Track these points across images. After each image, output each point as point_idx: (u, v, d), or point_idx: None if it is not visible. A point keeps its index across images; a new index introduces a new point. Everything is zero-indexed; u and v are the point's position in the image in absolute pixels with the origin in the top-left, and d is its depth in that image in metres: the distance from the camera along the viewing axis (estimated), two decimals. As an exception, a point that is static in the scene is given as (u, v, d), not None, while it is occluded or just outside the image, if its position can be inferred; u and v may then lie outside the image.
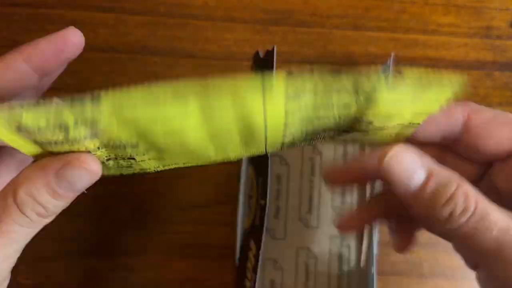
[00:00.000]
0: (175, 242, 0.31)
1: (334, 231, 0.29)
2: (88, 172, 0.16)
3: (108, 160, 0.18)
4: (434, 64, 0.33)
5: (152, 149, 0.18)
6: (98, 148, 0.17)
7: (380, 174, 0.16)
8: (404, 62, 0.33)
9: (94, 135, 0.16)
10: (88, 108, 0.16)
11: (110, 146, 0.17)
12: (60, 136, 0.16)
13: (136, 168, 0.20)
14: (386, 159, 0.16)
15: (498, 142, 0.18)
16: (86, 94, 0.16)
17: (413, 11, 0.34)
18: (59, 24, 0.31)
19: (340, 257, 0.30)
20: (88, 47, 0.32)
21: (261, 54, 0.25)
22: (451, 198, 0.15)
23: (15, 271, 0.31)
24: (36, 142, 0.16)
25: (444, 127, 0.19)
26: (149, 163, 0.19)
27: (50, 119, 0.16)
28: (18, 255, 0.17)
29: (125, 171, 0.20)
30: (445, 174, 0.16)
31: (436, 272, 0.32)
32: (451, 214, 0.15)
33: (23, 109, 0.15)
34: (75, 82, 0.31)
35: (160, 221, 0.31)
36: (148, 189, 0.31)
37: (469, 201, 0.15)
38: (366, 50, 0.33)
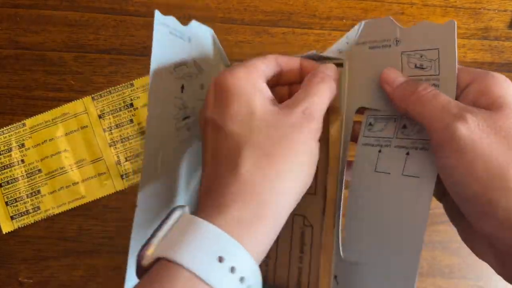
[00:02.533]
0: (175, 241, 0.31)
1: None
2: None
3: None
4: (432, 65, 0.34)
5: None
6: None
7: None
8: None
9: None
10: None
11: None
12: None
13: None
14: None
15: None
16: None
17: (412, 12, 0.34)
18: (61, 26, 0.32)
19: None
20: (90, 48, 0.32)
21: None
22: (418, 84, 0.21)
23: (16, 270, 0.31)
24: None
25: None
26: (47, 200, 0.31)
27: None
28: (327, 106, 0.22)
29: None
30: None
31: (434, 271, 0.32)
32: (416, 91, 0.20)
33: None
34: (77, 83, 0.31)
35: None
36: (149, 189, 0.31)
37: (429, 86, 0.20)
38: (365, 51, 0.33)
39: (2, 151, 0.31)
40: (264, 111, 0.20)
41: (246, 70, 0.22)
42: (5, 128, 0.31)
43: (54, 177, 0.31)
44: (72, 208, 0.31)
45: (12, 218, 0.30)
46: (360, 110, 0.25)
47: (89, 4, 0.32)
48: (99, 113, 0.31)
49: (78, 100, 0.31)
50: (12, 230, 0.30)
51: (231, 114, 0.20)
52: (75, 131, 0.31)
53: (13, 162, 0.31)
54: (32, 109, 0.31)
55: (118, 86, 0.31)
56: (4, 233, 0.30)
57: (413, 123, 0.22)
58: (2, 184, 0.30)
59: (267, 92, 0.22)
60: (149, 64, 0.32)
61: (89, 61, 0.32)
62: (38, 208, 0.30)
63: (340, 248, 0.25)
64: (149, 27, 0.32)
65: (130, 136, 0.31)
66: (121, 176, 0.31)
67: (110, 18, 0.32)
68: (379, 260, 0.22)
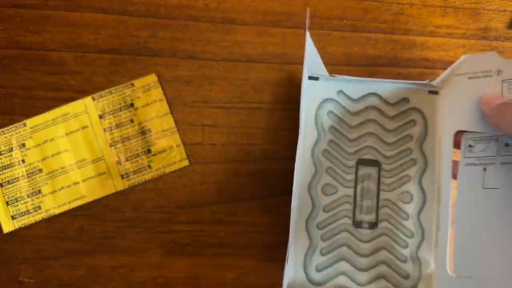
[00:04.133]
0: (175, 241, 0.31)
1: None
2: None
3: None
4: (432, 65, 0.34)
5: None
6: None
7: None
8: (402, 63, 0.34)
9: None
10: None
11: None
12: None
13: None
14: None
15: None
16: None
17: (411, 12, 0.34)
18: (61, 26, 0.32)
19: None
20: (90, 49, 0.32)
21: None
22: None
23: (16, 270, 0.31)
24: None
25: None
26: (47, 200, 0.31)
27: None
28: None
29: None
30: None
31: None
32: None
33: None
34: (77, 83, 0.31)
35: (160, 220, 0.31)
36: (148, 189, 0.31)
37: None
38: (365, 51, 0.33)
39: (2, 151, 0.31)
40: None
41: None
42: (5, 128, 0.31)
43: (54, 177, 0.31)
44: (72, 208, 0.31)
45: (13, 218, 0.30)
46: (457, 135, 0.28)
47: (89, 4, 0.32)
48: (100, 113, 0.31)
49: (78, 100, 0.31)
50: (13, 230, 0.30)
51: None
52: (75, 131, 0.31)
53: (14, 162, 0.31)
54: (31, 109, 0.31)
55: (119, 86, 0.31)
56: (5, 233, 0.30)
57: None
58: (3, 184, 0.30)
59: None
60: (149, 64, 0.32)
61: (89, 61, 0.32)
62: (39, 207, 0.30)
63: (447, 264, 0.27)
64: (149, 27, 0.32)
65: (130, 136, 0.31)
66: (122, 176, 0.31)
67: (110, 18, 0.32)
68: (502, 271, 0.25)
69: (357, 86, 0.29)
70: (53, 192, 0.31)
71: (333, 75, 0.29)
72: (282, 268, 0.27)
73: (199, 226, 0.32)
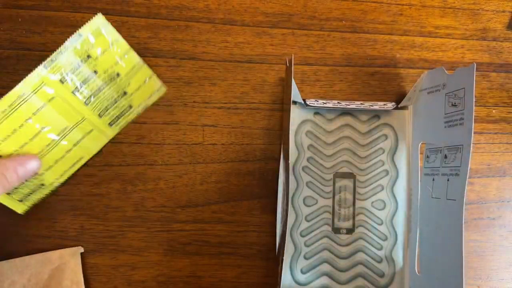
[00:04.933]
0: (175, 240, 0.32)
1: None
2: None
3: None
4: (431, 65, 0.34)
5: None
6: None
7: None
8: (402, 63, 0.34)
9: None
10: None
11: None
12: None
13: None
14: None
15: None
16: None
17: (410, 13, 0.34)
18: (62, 27, 0.32)
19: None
20: (91, 49, 0.32)
21: (287, 63, 0.31)
22: None
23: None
24: None
25: None
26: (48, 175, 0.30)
27: None
28: None
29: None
30: None
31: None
32: None
33: None
34: (78, 83, 0.31)
35: (161, 220, 0.32)
36: (150, 188, 0.32)
37: None
38: (364, 52, 0.33)
39: None
40: None
41: None
42: None
43: (44, 156, 0.30)
44: (75, 171, 0.31)
45: (20, 201, 0.30)
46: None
47: (90, 5, 0.32)
48: (60, 77, 0.29)
49: (30, 75, 0.28)
50: (28, 208, 0.30)
51: None
52: (42, 107, 0.29)
53: None
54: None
55: (66, 42, 0.29)
56: (21, 213, 0.29)
57: (451, 152, 0.27)
58: None
59: None
60: (150, 64, 0.32)
61: (90, 62, 0.32)
62: (42, 185, 0.30)
63: (416, 264, 0.30)
64: (150, 28, 0.32)
65: (101, 87, 0.30)
66: (109, 124, 0.31)
67: (111, 19, 0.32)
68: (441, 271, 0.28)
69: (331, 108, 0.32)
70: (49, 167, 0.30)
71: (308, 103, 0.31)
72: (279, 273, 0.27)
73: (200, 225, 0.32)
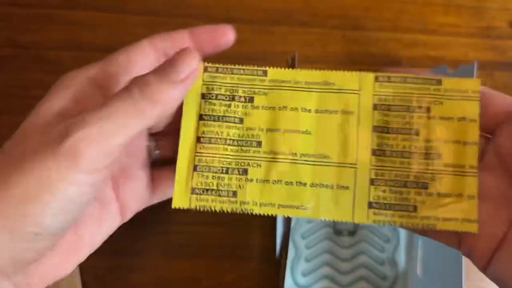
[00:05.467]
0: (174, 242, 0.31)
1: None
2: (191, 55, 0.18)
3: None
4: (434, 63, 0.33)
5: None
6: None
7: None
8: (405, 62, 0.33)
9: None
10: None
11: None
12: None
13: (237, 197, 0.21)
14: None
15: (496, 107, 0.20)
16: None
17: (413, 11, 0.34)
18: (59, 24, 0.31)
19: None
20: (88, 47, 0.32)
21: (289, 61, 0.29)
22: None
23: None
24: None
25: None
26: (250, 188, 0.21)
27: None
28: (117, 152, 0.17)
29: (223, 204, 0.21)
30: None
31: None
32: None
33: None
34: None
35: (159, 221, 0.31)
36: (148, 189, 0.31)
37: None
38: (366, 50, 0.33)
39: (221, 94, 0.22)
40: (29, 130, 0.19)
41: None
42: (245, 68, 0.23)
43: (275, 161, 0.21)
44: (278, 213, 0.21)
45: (192, 191, 0.21)
46: None
47: (87, 3, 0.32)
48: (377, 102, 0.21)
49: (353, 72, 0.21)
50: (187, 207, 0.21)
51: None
52: (332, 112, 0.21)
53: (228, 116, 0.21)
54: (29, 108, 0.31)
55: (420, 75, 0.21)
56: (173, 207, 0.21)
57: None
58: (201, 138, 0.21)
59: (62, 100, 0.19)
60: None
61: (87, 60, 0.31)
62: (234, 194, 0.21)
63: (418, 266, 0.30)
64: (148, 25, 0.32)
65: (406, 151, 0.20)
66: (369, 204, 0.20)
67: (108, 16, 0.31)
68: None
69: None
70: (264, 181, 0.21)
71: None
72: (282, 277, 0.27)
73: (198, 227, 0.31)
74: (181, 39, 0.21)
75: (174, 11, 0.32)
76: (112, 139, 0.16)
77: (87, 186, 0.17)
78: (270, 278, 0.32)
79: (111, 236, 0.31)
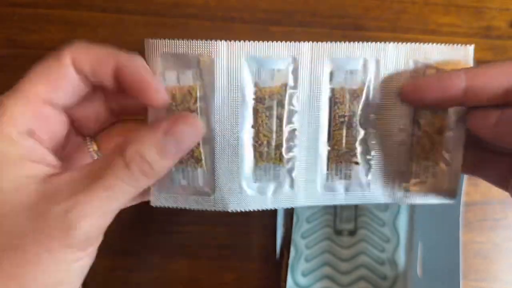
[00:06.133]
0: (174, 242, 0.31)
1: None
2: (194, 128, 0.17)
3: None
4: (434, 64, 0.33)
5: None
6: None
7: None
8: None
9: None
10: None
11: None
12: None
13: None
14: None
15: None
16: None
17: (413, 11, 0.34)
18: (59, 24, 0.31)
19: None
20: (88, 47, 0.32)
21: None
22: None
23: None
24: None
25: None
26: None
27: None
28: (114, 215, 0.17)
29: None
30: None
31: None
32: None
33: None
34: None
35: (159, 222, 0.31)
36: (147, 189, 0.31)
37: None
38: (366, 50, 0.33)
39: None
40: (5, 204, 0.15)
41: None
42: None
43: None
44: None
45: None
46: None
47: (87, 3, 0.31)
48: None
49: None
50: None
51: None
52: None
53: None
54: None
55: None
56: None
57: None
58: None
59: (29, 151, 0.16)
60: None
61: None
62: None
63: (418, 266, 0.30)
64: (148, 25, 0.32)
65: None
66: None
67: (108, 16, 0.31)
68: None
69: None
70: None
71: None
72: (283, 277, 0.27)
73: (199, 227, 0.31)
74: (103, 60, 0.18)
75: (174, 11, 0.32)
76: (109, 216, 0.17)
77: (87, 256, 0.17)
78: (270, 278, 0.31)
79: (111, 236, 0.31)
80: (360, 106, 0.22)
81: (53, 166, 0.17)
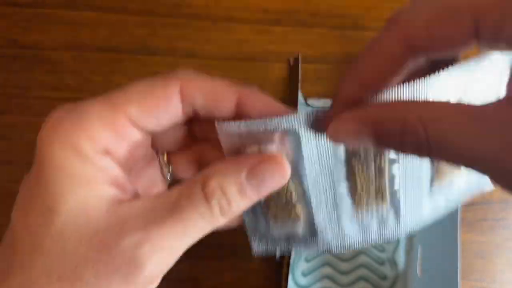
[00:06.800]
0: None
1: None
2: (281, 170, 0.16)
3: None
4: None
5: None
6: None
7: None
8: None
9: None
10: None
11: None
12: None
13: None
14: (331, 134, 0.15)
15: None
16: None
17: (414, 11, 0.34)
18: (60, 24, 0.31)
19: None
20: (88, 48, 0.32)
21: (291, 61, 0.29)
22: (403, 144, 0.13)
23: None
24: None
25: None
26: None
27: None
28: (181, 252, 0.15)
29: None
30: (386, 114, 0.14)
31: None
32: (414, 153, 0.13)
33: None
34: (75, 82, 0.31)
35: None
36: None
37: (420, 138, 0.12)
38: (366, 50, 0.33)
39: None
40: (70, 224, 0.14)
41: (76, 116, 0.14)
42: None
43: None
44: None
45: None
46: None
47: (87, 3, 0.31)
48: None
49: None
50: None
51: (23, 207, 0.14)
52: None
53: None
54: (29, 108, 0.31)
55: None
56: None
57: None
58: None
59: (103, 172, 0.14)
60: (148, 63, 0.32)
61: (87, 60, 0.31)
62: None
63: (418, 266, 0.30)
64: (148, 25, 0.32)
65: None
66: None
67: (108, 16, 0.31)
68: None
69: None
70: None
71: (309, 102, 0.30)
72: (284, 277, 0.27)
73: (199, 226, 0.31)
74: (225, 102, 0.16)
75: (174, 11, 0.32)
76: (179, 253, 0.15)
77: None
78: (270, 278, 0.31)
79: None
80: None
81: (126, 190, 0.15)
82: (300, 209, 0.20)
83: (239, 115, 0.16)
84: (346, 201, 0.20)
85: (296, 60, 0.28)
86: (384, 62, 0.15)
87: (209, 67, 0.32)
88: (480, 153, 0.12)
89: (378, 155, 0.19)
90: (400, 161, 0.20)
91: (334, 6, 0.33)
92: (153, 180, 0.19)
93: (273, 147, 0.17)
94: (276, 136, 0.17)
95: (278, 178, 0.16)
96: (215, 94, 0.16)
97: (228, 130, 0.16)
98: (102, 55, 0.31)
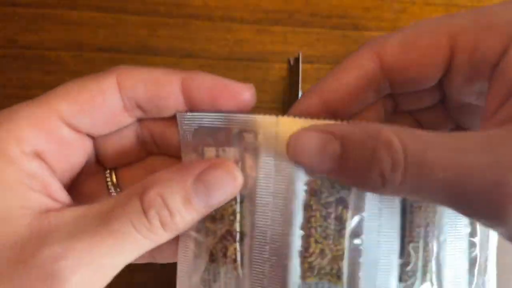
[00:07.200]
0: (175, 242, 0.31)
1: None
2: (232, 179, 0.14)
3: None
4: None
5: None
6: None
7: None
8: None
9: None
10: None
11: None
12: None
13: None
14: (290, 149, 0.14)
15: None
16: None
17: (414, 11, 0.34)
18: (59, 24, 0.31)
19: None
20: (88, 48, 0.32)
21: (292, 61, 0.29)
22: (374, 158, 0.12)
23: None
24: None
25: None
26: None
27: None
28: (115, 272, 0.13)
29: None
30: (359, 136, 0.12)
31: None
32: (382, 175, 0.12)
33: None
34: (75, 82, 0.31)
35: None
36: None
37: (395, 151, 0.11)
38: (366, 50, 0.33)
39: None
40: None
41: (3, 118, 0.13)
42: None
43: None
44: None
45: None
46: None
47: (87, 3, 0.31)
48: None
49: None
50: None
51: None
52: None
53: None
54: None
55: None
56: None
57: None
58: None
59: (30, 176, 0.13)
60: (148, 63, 0.32)
61: (87, 60, 0.31)
62: None
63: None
64: (148, 25, 0.32)
65: None
66: None
67: (108, 16, 0.31)
68: None
69: None
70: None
71: None
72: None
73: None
74: (168, 87, 0.15)
75: (174, 11, 0.32)
76: (108, 271, 0.13)
77: None
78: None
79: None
80: None
81: (58, 199, 0.14)
82: (238, 251, 0.15)
83: (191, 106, 0.15)
84: (295, 261, 0.16)
85: (296, 60, 0.28)
86: (355, 76, 0.15)
87: (209, 67, 0.32)
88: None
89: (340, 203, 0.15)
90: (364, 236, 0.15)
91: (334, 6, 0.33)
92: (97, 195, 0.17)
93: (230, 153, 0.15)
94: (235, 138, 0.15)
95: (227, 187, 0.14)
96: (156, 82, 0.15)
97: (187, 120, 0.14)
98: (102, 55, 0.31)
